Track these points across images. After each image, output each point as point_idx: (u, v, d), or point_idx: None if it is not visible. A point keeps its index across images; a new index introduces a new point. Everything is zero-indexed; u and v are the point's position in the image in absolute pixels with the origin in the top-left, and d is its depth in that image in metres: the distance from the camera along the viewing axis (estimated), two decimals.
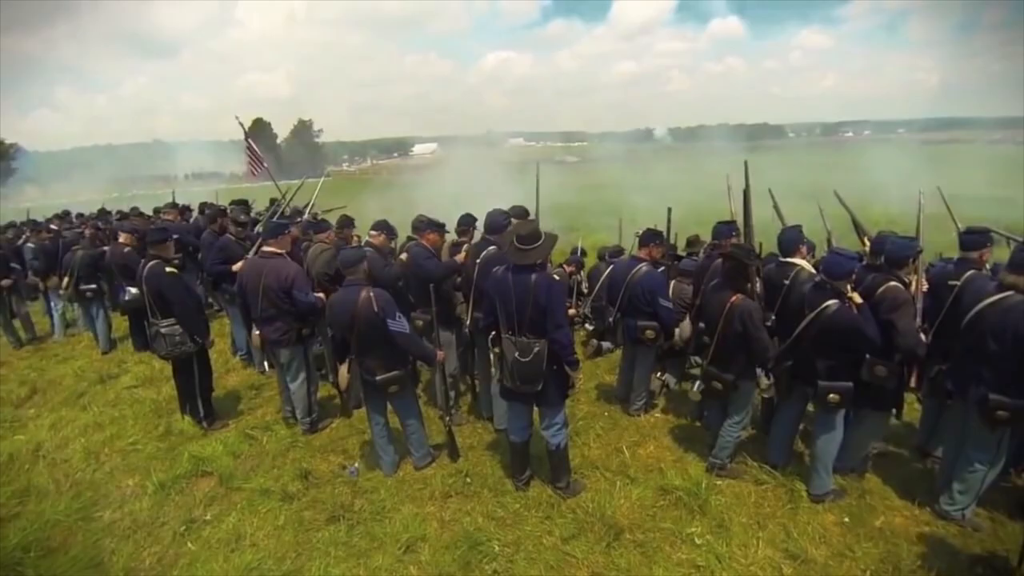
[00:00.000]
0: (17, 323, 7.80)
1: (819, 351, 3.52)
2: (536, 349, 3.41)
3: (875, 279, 3.58)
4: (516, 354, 3.45)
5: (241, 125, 7.88)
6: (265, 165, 7.88)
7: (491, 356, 3.90)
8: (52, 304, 8.04)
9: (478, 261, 4.35)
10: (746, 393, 3.89)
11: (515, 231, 3.55)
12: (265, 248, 4.55)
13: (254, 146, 8.07)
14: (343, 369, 3.96)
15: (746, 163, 4.06)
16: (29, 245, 8.07)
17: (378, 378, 3.80)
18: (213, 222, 6.90)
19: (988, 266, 3.80)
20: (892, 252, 3.61)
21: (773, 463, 3.98)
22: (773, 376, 3.82)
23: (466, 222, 5.15)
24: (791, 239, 4.11)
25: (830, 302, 3.40)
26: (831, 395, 3.51)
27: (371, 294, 3.72)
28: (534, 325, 3.41)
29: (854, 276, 3.53)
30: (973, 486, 3.40)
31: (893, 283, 3.48)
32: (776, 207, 4.94)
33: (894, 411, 3.76)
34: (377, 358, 3.81)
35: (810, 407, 3.91)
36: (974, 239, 3.78)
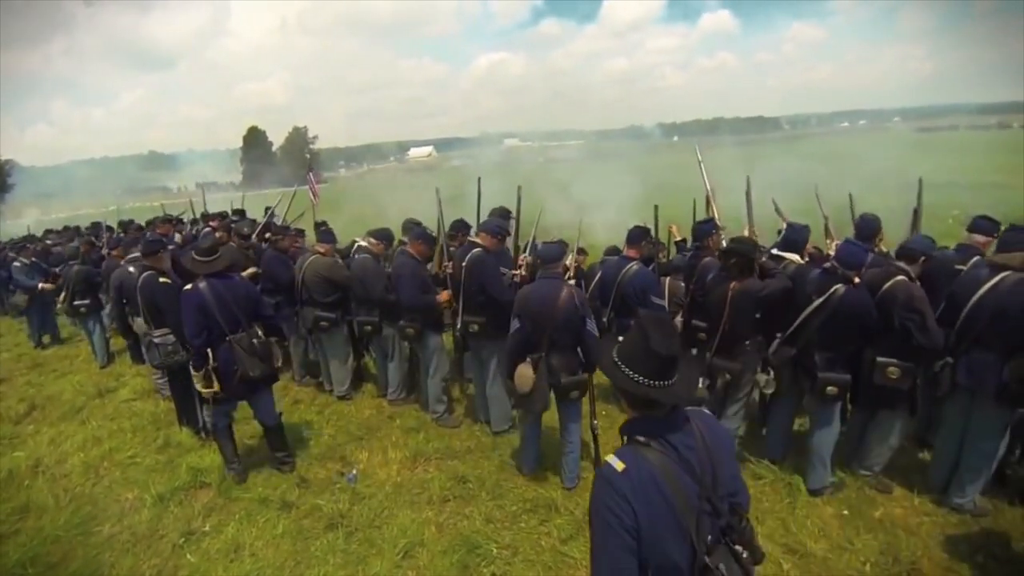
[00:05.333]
0: None
1: (823, 339, 3.51)
2: None
3: (879, 272, 3.54)
4: None
5: (309, 160, 8.70)
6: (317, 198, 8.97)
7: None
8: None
9: (464, 264, 4.37)
10: (747, 384, 3.91)
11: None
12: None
13: (312, 178, 9.45)
14: (527, 369, 3.60)
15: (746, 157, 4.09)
16: (15, 264, 8.13)
17: (563, 381, 3.63)
18: (214, 231, 6.90)
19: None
20: (913, 245, 3.61)
21: (771, 458, 3.98)
22: (772, 370, 3.82)
23: (458, 227, 5.17)
24: (796, 240, 4.21)
25: (838, 286, 3.41)
26: (829, 387, 3.50)
27: (573, 291, 3.58)
28: None
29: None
30: (982, 476, 3.40)
31: (902, 278, 3.42)
32: (776, 205, 4.98)
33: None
34: (563, 359, 3.64)
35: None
36: (986, 224, 3.78)
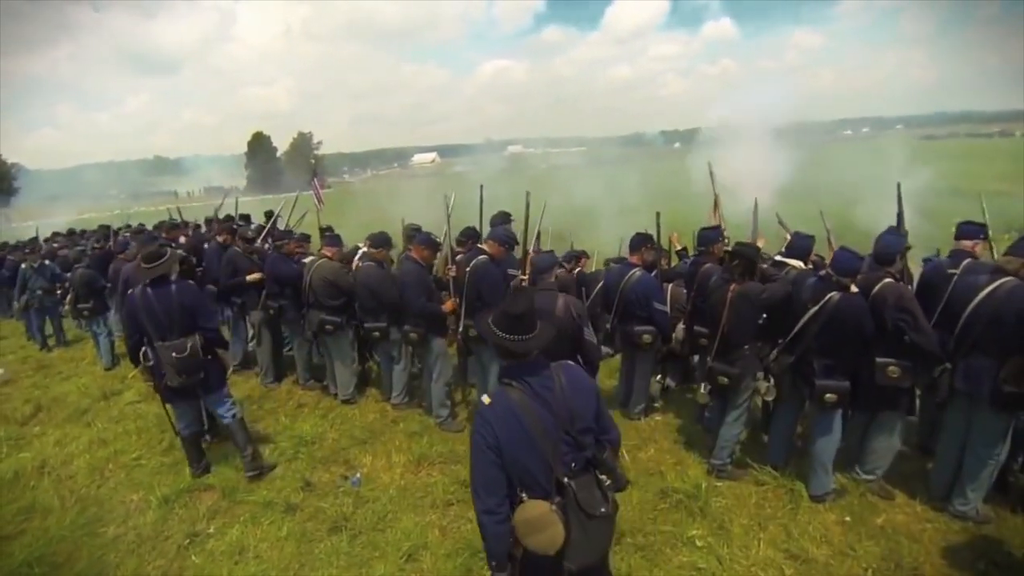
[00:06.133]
0: None
1: (821, 346, 3.52)
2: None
3: (868, 277, 3.57)
4: None
5: (314, 166, 8.70)
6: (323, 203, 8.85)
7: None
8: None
9: (468, 270, 4.42)
10: (746, 390, 3.91)
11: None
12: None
13: (317, 183, 9.37)
14: None
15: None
16: (22, 266, 8.24)
17: None
18: (219, 234, 6.92)
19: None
20: (881, 249, 3.63)
21: (773, 463, 3.99)
22: (773, 377, 3.83)
23: (467, 234, 5.22)
24: (805, 248, 4.26)
25: (833, 293, 3.43)
26: (827, 395, 3.52)
27: (567, 300, 3.59)
28: None
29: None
30: (984, 482, 3.41)
31: (889, 280, 3.47)
32: (780, 219, 5.03)
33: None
34: None
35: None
36: (970, 229, 3.82)
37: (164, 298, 3.94)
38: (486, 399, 2.09)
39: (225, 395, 4.32)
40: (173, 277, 4.16)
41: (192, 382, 4.05)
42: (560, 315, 3.49)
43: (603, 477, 2.16)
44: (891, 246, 3.62)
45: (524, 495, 2.05)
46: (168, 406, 4.26)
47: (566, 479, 2.07)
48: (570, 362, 2.29)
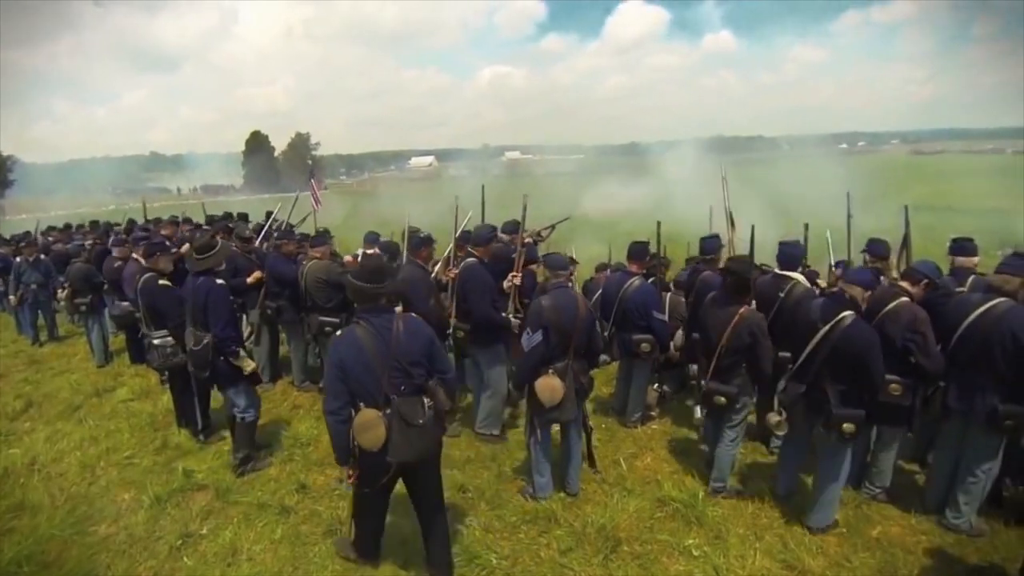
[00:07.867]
0: None
1: (833, 372, 3.30)
2: None
3: (884, 292, 3.55)
4: None
5: (311, 167, 8.65)
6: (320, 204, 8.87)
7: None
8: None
9: (457, 272, 4.46)
10: (743, 409, 3.85)
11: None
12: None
13: (314, 184, 9.47)
14: (554, 380, 3.59)
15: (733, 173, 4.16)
16: (17, 260, 8.21)
17: (583, 381, 3.75)
18: (215, 234, 6.88)
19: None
20: (919, 266, 3.66)
21: (783, 494, 3.85)
22: (784, 409, 3.57)
23: (462, 238, 5.24)
24: (793, 255, 4.19)
25: (845, 313, 3.25)
26: (846, 425, 3.25)
27: (583, 299, 3.86)
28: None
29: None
30: (977, 495, 3.42)
31: (906, 299, 3.47)
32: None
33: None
34: (581, 363, 3.74)
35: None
36: (970, 246, 3.84)
37: (196, 292, 4.15)
38: (340, 334, 2.92)
39: (238, 394, 4.33)
40: (220, 268, 4.35)
41: (202, 375, 4.29)
42: (584, 311, 3.67)
43: (427, 400, 2.84)
44: (925, 268, 3.62)
45: (362, 405, 2.76)
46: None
47: (395, 397, 2.76)
48: (413, 315, 3.02)
